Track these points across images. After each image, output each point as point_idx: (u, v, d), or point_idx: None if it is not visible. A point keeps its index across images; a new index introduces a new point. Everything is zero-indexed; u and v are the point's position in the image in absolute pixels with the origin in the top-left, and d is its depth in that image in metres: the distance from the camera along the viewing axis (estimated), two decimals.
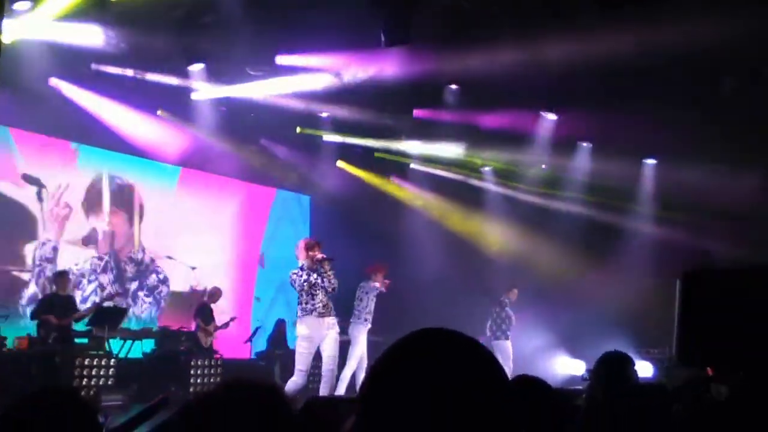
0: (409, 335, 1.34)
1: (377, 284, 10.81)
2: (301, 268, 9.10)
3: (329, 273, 9.03)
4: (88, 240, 13.06)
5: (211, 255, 14.44)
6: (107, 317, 11.29)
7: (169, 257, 13.83)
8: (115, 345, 11.42)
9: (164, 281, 14.13)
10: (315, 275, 9.03)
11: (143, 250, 13.91)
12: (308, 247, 9.18)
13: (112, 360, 10.81)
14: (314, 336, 9.07)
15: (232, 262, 15.11)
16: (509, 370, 12.09)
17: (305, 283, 8.99)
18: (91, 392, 10.18)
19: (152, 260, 13.99)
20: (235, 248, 15.23)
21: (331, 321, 9.23)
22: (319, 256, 9.07)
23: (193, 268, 13.70)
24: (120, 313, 11.73)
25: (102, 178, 13.33)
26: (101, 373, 10.49)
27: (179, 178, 14.37)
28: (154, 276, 14.00)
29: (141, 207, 13.88)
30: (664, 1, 10.61)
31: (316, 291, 9.02)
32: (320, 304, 9.02)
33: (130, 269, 13.67)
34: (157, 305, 14.02)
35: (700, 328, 3.65)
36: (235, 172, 14.68)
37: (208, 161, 13.94)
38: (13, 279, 12.10)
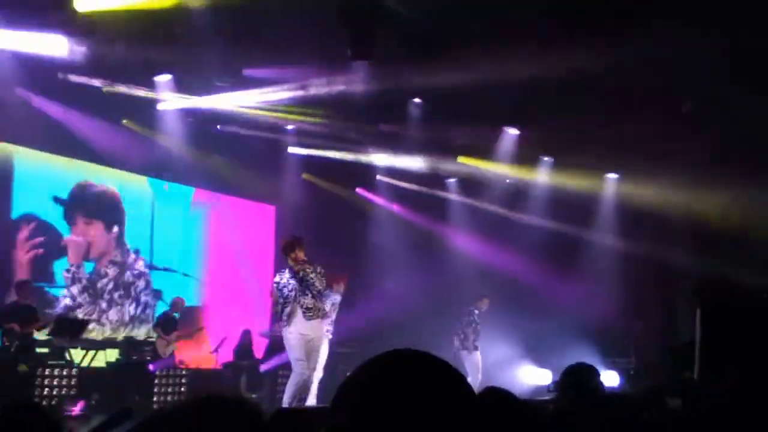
0: (381, 355, 1.38)
1: (338, 295, 10.79)
2: (277, 285, 8.88)
3: (311, 276, 8.70)
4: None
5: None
6: (68, 327, 11.22)
7: (167, 269, 13.93)
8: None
9: (140, 275, 14.04)
10: (294, 282, 8.72)
11: (127, 252, 13.89)
12: (288, 248, 8.83)
13: (74, 369, 10.70)
14: (301, 330, 8.73)
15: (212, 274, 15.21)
16: (477, 381, 12.11)
17: (282, 299, 8.79)
18: (53, 402, 10.11)
19: (135, 260, 13.99)
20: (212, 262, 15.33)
21: (317, 324, 8.96)
22: (302, 257, 8.75)
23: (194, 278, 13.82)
24: (81, 324, 11.63)
25: (76, 188, 13.32)
26: (63, 383, 10.38)
27: (150, 188, 14.35)
28: (128, 273, 13.90)
29: (122, 213, 13.92)
30: (627, 21, 10.79)
31: (289, 300, 8.75)
32: (285, 315, 8.78)
33: (111, 272, 13.63)
34: (135, 302, 13.93)
35: (721, 350, 3.72)
36: (202, 182, 14.68)
37: (174, 171, 13.88)
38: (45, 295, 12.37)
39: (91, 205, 13.43)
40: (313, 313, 8.81)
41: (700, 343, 4.01)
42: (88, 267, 13.25)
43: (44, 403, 9.95)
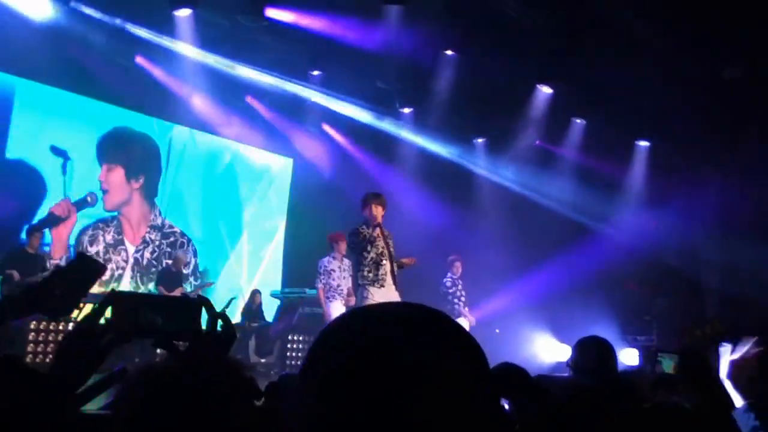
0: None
1: (336, 257, 9.84)
2: (357, 233, 7.92)
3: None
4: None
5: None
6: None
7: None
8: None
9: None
10: (379, 240, 7.84)
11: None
12: (368, 201, 7.96)
13: (71, 325, 9.98)
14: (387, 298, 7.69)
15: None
16: None
17: (368, 253, 7.83)
18: (47, 360, 9.52)
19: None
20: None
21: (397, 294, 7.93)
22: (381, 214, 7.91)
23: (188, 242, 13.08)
24: None
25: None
26: (59, 338, 9.75)
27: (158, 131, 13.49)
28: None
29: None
30: None
31: (382, 259, 7.83)
32: (389, 275, 7.86)
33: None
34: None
35: None
36: (214, 129, 13.85)
37: (191, 117, 13.11)
38: None
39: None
40: (394, 279, 7.91)
41: None
42: None
43: (38, 360, 9.50)
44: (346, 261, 9.81)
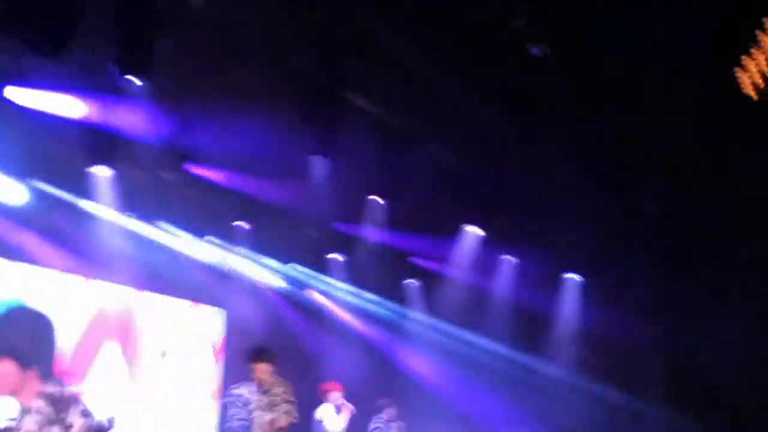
0: None
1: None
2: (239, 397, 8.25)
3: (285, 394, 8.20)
4: None
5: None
6: None
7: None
8: None
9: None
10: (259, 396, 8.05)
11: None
12: (247, 359, 8.33)
13: None
14: None
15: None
16: None
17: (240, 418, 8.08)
18: None
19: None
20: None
21: None
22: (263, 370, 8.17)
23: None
24: None
25: None
26: None
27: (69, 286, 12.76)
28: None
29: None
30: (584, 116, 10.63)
31: (254, 412, 8.08)
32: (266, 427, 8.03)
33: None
34: None
35: None
36: (146, 283, 12.89)
37: (116, 274, 12.40)
38: None
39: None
40: None
41: None
42: None
43: None
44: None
